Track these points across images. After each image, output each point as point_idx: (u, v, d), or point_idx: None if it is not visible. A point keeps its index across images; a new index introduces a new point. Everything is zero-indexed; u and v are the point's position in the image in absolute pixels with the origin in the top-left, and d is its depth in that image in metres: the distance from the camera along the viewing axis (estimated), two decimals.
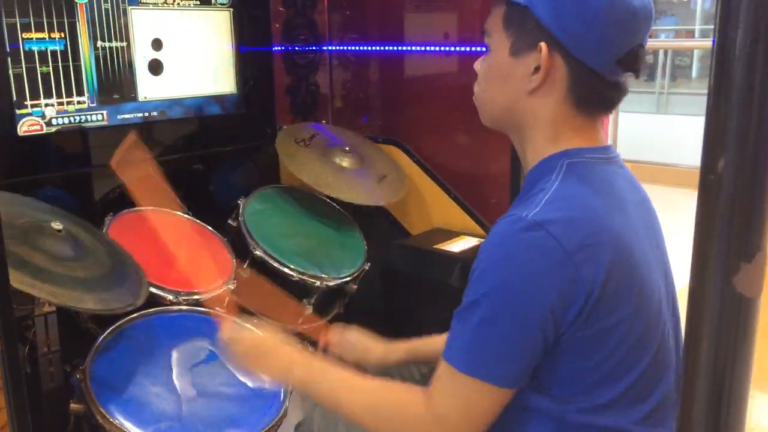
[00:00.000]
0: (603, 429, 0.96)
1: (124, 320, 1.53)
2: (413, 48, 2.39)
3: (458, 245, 2.12)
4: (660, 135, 6.45)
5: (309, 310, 1.93)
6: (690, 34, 9.45)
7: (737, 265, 0.43)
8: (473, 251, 0.94)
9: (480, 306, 0.91)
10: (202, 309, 1.66)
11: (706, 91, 0.44)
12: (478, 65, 1.07)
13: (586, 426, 0.96)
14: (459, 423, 0.95)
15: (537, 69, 0.96)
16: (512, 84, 1.00)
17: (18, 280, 1.25)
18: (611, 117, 4.98)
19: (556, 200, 0.92)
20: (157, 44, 2.05)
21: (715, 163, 0.42)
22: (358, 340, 1.40)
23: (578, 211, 0.92)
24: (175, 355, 1.53)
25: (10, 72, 1.75)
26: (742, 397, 0.47)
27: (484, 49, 1.05)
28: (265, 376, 1.20)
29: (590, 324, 0.91)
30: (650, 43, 1.08)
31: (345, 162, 2.18)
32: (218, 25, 2.20)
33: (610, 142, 1.04)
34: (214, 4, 2.18)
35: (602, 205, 0.95)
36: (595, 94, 0.98)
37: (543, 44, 0.94)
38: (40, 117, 1.83)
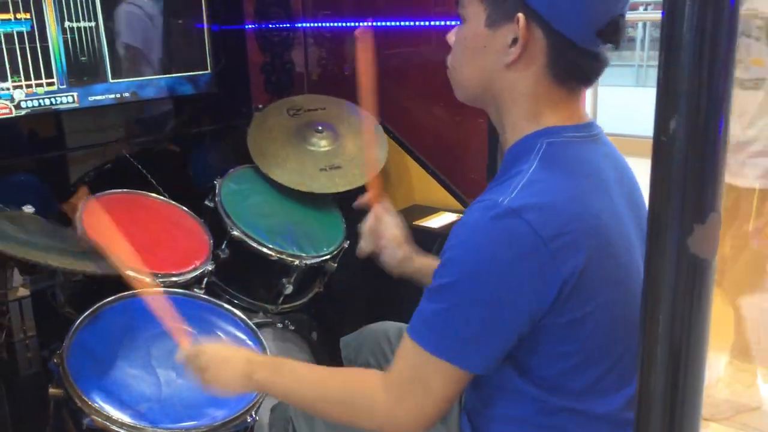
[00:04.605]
0: (585, 414, 0.95)
1: (100, 303, 1.52)
2: (389, 23, 2.37)
3: (437, 221, 2.13)
4: (639, 108, 6.47)
5: (289, 289, 1.93)
6: None
7: (690, 226, 0.43)
8: (452, 227, 0.93)
9: (451, 291, 0.89)
10: (179, 291, 1.65)
11: None
12: (451, 37, 1.03)
13: (568, 410, 0.95)
14: (419, 403, 0.93)
15: (514, 41, 0.92)
16: (488, 57, 0.96)
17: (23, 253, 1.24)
18: (591, 90, 4.99)
19: (533, 184, 0.88)
20: (127, 24, 2.01)
21: (666, 124, 0.42)
22: (394, 228, 1.40)
23: (555, 196, 0.88)
24: (153, 337, 1.52)
25: None
26: (700, 358, 0.48)
27: (459, 23, 1.01)
28: (228, 387, 1.11)
29: (567, 311, 0.88)
30: (629, 16, 1.06)
31: (308, 141, 2.17)
32: (190, 3, 2.16)
33: (589, 115, 1.02)
34: None
35: (581, 188, 0.91)
36: (575, 66, 0.94)
37: (521, 15, 0.90)
38: (8, 100, 1.79)
